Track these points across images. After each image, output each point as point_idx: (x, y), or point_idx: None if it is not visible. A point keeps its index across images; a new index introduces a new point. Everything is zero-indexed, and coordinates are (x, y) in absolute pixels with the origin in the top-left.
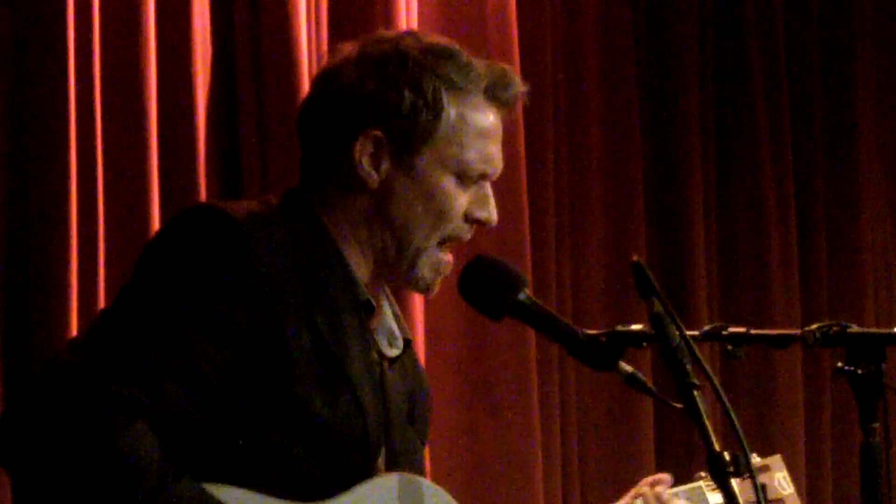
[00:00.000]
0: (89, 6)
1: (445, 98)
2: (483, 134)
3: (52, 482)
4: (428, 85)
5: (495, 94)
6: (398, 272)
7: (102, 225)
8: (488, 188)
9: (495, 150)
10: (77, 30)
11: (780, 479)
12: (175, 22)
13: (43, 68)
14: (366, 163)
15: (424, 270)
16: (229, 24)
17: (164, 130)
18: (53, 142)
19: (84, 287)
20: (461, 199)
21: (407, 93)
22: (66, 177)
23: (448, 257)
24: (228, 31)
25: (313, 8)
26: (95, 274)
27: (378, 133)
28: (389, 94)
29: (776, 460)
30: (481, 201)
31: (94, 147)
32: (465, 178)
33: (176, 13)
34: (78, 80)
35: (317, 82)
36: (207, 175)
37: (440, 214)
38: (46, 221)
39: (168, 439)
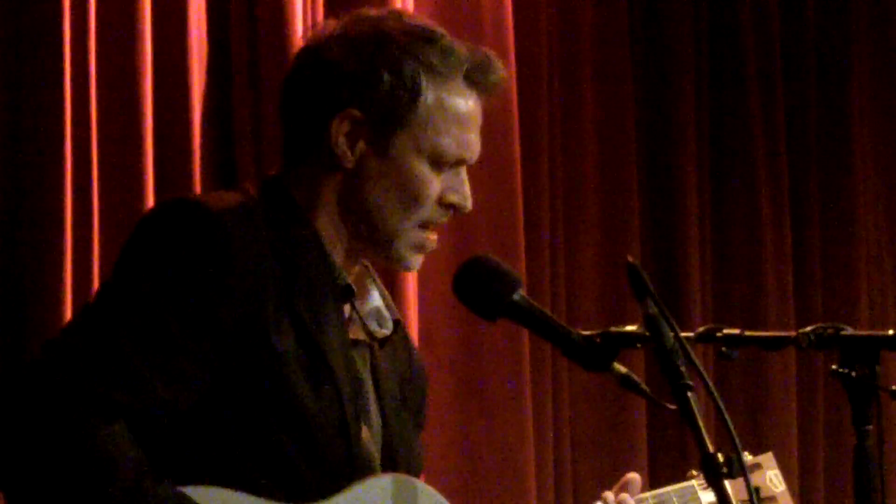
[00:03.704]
0: (85, 3)
1: (424, 82)
2: (460, 119)
3: (30, 482)
4: (407, 68)
5: (475, 79)
6: (375, 250)
7: (97, 224)
8: (464, 173)
9: (473, 136)
10: (73, 27)
11: (772, 477)
12: (171, 21)
13: (39, 67)
14: (341, 142)
15: (403, 250)
16: (225, 22)
17: (159, 129)
18: (49, 141)
19: (79, 286)
20: (435, 184)
21: (386, 75)
22: (62, 175)
23: (432, 236)
24: (224, 29)
25: (309, 1)
26: (90, 272)
27: (356, 113)
28: (368, 76)
29: (768, 458)
30: (456, 186)
31: (89, 145)
32: (440, 163)
33: (172, 11)
34: (74, 78)
35: (299, 58)
36: (202, 174)
37: (413, 198)
38: (41, 220)
39: (149, 438)
